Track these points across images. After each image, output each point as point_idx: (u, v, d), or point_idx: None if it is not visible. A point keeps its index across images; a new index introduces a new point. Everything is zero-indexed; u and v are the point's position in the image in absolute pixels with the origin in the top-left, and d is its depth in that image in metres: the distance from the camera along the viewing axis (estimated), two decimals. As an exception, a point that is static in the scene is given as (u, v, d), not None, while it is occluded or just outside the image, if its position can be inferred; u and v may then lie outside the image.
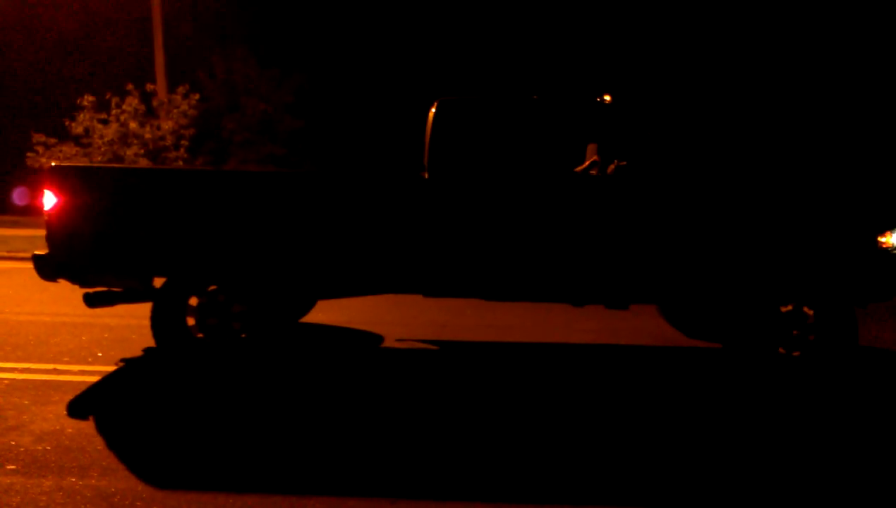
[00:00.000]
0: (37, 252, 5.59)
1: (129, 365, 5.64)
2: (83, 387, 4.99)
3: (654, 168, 5.36)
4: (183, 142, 18.28)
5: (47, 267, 5.53)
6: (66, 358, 5.73)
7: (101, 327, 6.86)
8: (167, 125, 18.19)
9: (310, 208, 5.42)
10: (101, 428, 4.19)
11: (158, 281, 5.61)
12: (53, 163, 5.65)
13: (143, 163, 17.93)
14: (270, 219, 5.40)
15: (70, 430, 4.14)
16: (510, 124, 5.58)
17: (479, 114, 5.56)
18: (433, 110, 5.59)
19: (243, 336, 5.37)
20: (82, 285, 5.65)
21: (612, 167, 5.42)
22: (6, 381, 5.09)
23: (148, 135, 17.97)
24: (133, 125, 17.90)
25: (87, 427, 4.21)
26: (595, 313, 7.47)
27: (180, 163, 18.17)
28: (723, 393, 5.11)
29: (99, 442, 3.96)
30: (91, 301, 5.62)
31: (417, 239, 5.38)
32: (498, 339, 6.67)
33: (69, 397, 4.75)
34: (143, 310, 5.79)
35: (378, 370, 5.58)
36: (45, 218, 5.54)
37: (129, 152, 17.93)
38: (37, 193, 5.82)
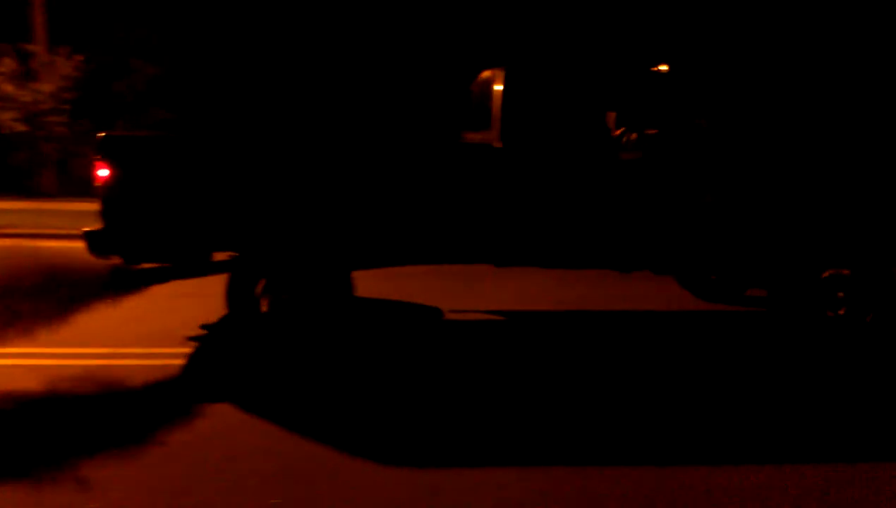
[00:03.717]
0: (87, 228, 5.21)
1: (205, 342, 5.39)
2: (174, 369, 4.77)
3: (715, 137, 5.64)
4: (64, 106, 17.02)
5: (102, 244, 5.17)
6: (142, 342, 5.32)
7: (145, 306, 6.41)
8: (48, 88, 16.85)
9: (382, 180, 5.34)
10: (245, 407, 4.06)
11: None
12: (105, 134, 5.23)
13: (19, 128, 16.60)
14: (348, 189, 5.28)
15: (213, 413, 3.98)
16: (574, 92, 5.68)
17: (547, 82, 5.63)
18: (497, 76, 5.58)
19: (309, 310, 5.23)
20: (134, 263, 5.32)
21: (634, 135, 5.75)
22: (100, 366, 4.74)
23: (27, 98, 16.60)
24: (9, 88, 16.47)
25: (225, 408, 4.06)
26: (622, 278, 7.44)
27: (62, 129, 16.95)
28: (781, 354, 5.48)
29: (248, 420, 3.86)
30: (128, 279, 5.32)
31: (490, 209, 5.43)
32: (564, 309, 6.72)
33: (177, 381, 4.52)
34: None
35: (452, 342, 5.67)
36: (99, 192, 5.17)
37: (6, 117, 16.51)
38: None
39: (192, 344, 5.31)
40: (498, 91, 5.54)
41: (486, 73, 6.28)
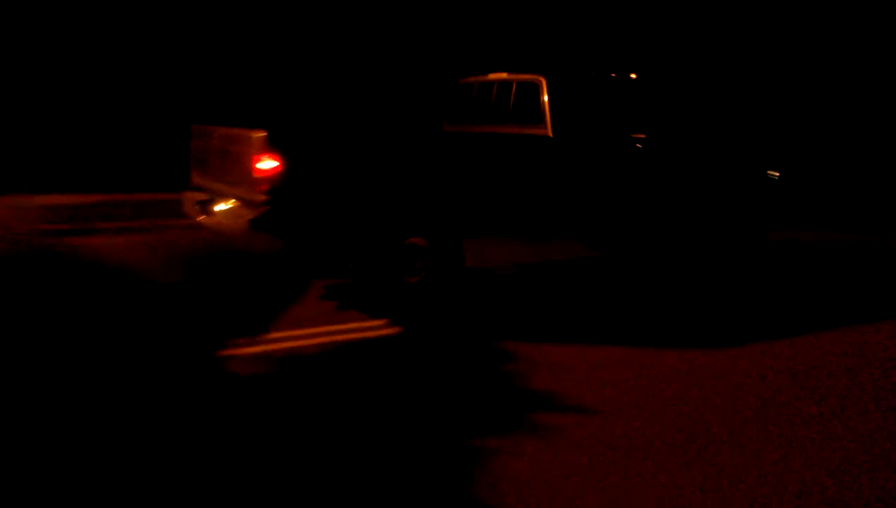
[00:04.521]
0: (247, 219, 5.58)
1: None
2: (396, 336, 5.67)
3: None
4: None
5: (266, 230, 5.59)
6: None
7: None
8: None
9: (483, 169, 6.49)
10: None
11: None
12: (267, 132, 5.51)
13: None
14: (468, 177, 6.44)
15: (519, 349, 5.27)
16: (588, 94, 7.23)
17: (574, 86, 7.11)
18: (540, 82, 6.91)
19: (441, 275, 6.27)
20: (295, 247, 5.81)
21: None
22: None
23: None
24: None
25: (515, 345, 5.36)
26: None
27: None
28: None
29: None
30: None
31: (548, 188, 6.79)
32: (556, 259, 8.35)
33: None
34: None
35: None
36: (262, 183, 5.54)
37: None
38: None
39: (358, 315, 6.13)
40: (545, 95, 6.88)
41: (497, 75, 7.57)
